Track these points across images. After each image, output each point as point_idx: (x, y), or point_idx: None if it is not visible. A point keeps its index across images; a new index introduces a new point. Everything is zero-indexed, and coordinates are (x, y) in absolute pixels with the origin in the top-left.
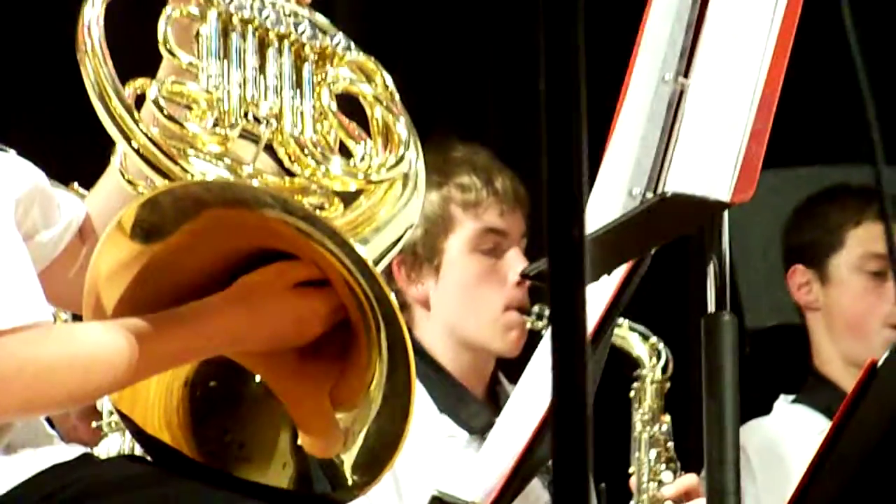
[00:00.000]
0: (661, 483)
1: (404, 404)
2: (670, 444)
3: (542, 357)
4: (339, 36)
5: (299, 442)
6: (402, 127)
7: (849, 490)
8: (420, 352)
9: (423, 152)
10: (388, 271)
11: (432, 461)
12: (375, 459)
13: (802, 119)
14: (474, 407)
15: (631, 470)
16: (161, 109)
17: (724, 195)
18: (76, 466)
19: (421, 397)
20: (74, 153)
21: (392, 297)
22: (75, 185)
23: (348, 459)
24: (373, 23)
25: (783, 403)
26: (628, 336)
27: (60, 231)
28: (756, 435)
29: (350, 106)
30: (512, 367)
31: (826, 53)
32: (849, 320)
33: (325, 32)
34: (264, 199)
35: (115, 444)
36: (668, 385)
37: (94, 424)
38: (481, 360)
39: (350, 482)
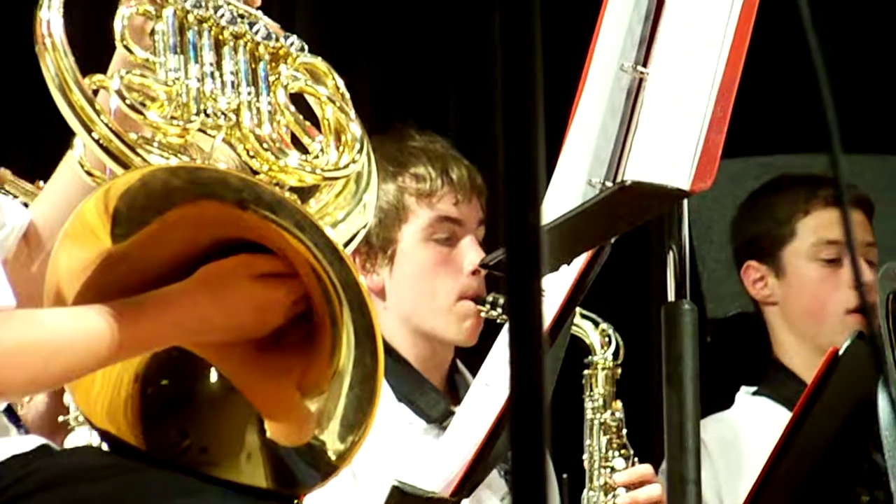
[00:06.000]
0: (613, 469)
1: (370, 392)
2: (623, 431)
3: (502, 348)
4: (293, 38)
5: (268, 435)
6: (355, 126)
7: (811, 477)
8: None
9: (380, 143)
10: None
11: (389, 449)
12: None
13: (762, 107)
14: (432, 395)
15: (585, 457)
16: (124, 99)
17: (684, 183)
18: (34, 457)
19: None
20: (38, 153)
21: (361, 280)
22: (40, 183)
23: (330, 440)
24: (334, 16)
25: (744, 395)
26: (581, 323)
27: (5, 235)
28: (718, 429)
29: (300, 109)
30: (470, 356)
31: (784, 41)
32: (808, 309)
33: (277, 36)
34: (232, 183)
35: (82, 439)
36: (619, 371)
37: (60, 419)
38: (438, 349)
39: (333, 461)
